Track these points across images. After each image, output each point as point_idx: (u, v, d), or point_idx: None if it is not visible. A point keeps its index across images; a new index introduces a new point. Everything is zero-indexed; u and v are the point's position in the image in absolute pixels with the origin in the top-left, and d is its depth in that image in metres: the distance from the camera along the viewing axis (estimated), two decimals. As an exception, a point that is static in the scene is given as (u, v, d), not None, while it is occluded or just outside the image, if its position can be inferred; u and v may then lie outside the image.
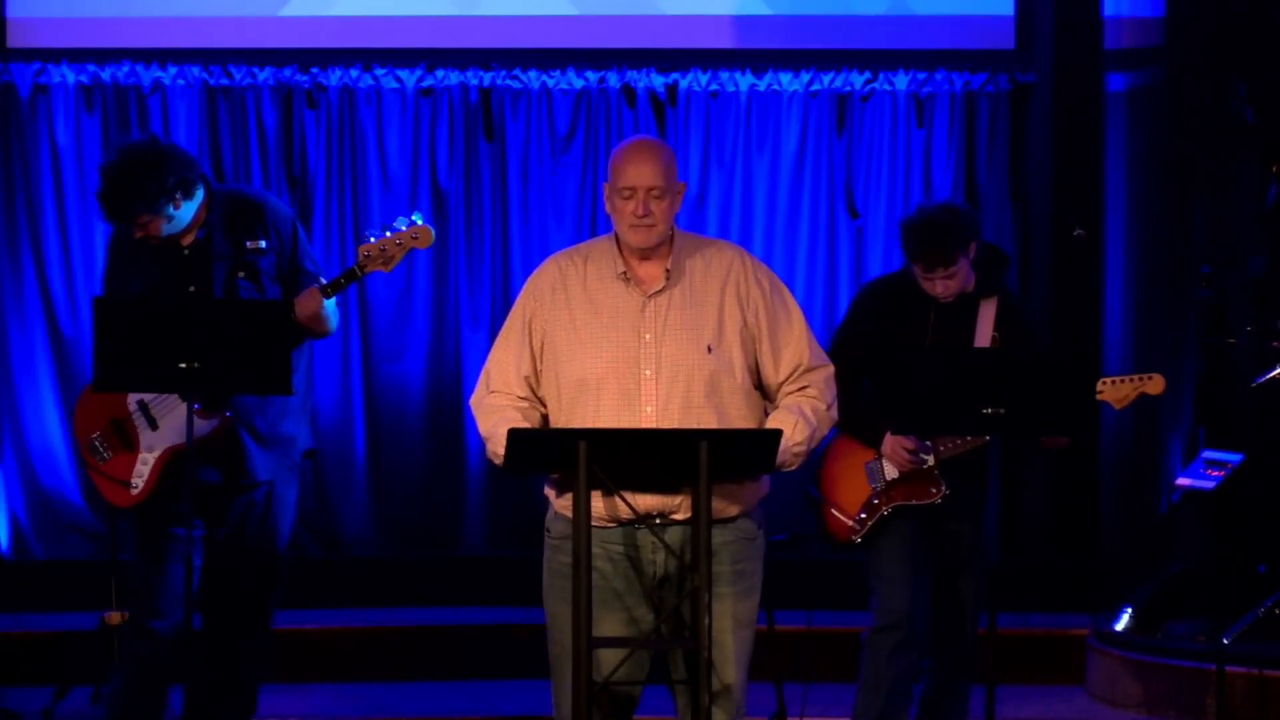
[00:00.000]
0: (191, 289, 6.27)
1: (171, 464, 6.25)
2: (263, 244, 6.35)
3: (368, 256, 6.24)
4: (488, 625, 8.24)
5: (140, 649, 6.32)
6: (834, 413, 5.22)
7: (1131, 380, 6.32)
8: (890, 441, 6.28)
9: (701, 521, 4.87)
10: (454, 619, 8.37)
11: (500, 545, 8.93)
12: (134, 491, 6.27)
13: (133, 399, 6.30)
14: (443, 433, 9.00)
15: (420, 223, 6.26)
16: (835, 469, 6.42)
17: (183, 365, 5.82)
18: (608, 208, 5.17)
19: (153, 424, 6.28)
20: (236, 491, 6.33)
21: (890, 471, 6.33)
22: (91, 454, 6.35)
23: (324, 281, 6.26)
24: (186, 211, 6.26)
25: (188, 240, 6.31)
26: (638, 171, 5.09)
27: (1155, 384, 6.30)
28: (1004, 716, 6.59)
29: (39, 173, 8.84)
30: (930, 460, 6.27)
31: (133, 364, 5.91)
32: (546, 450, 4.99)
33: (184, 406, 6.10)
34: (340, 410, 8.95)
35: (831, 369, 5.24)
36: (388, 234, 6.25)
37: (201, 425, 6.15)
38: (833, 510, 6.40)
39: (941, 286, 6.28)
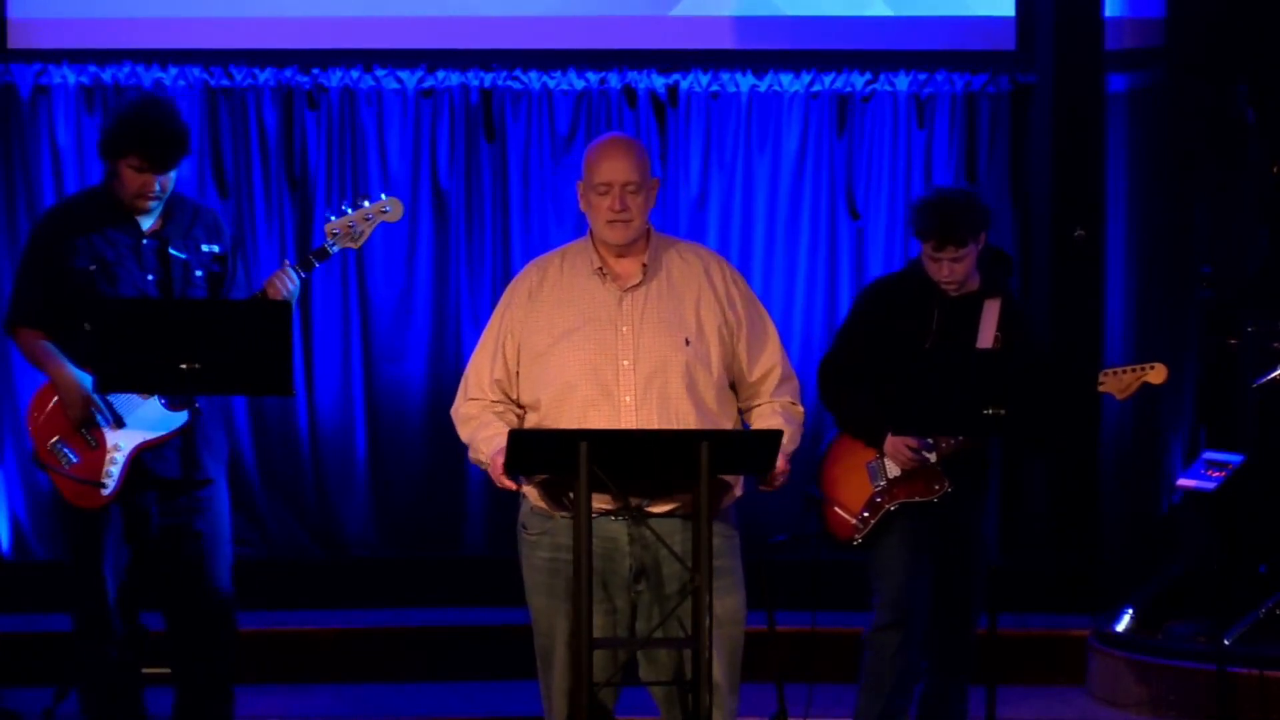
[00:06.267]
0: (150, 278, 6.25)
1: (137, 461, 6.21)
2: (215, 248, 6.37)
3: (335, 234, 6.27)
4: (488, 626, 8.23)
5: (104, 654, 6.28)
6: (800, 408, 5.29)
7: (1133, 370, 6.30)
8: (892, 440, 6.28)
9: (702, 521, 4.88)
10: (454, 619, 8.37)
11: (501, 545, 8.85)
12: (106, 492, 6.19)
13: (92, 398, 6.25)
14: (443, 433, 8.90)
15: (387, 196, 6.29)
16: (837, 470, 6.42)
17: (183, 366, 5.80)
18: (582, 205, 5.20)
19: (118, 421, 6.24)
20: (190, 486, 6.29)
21: (892, 470, 6.33)
22: (55, 458, 6.23)
23: (290, 263, 6.26)
24: None
25: (150, 229, 6.30)
26: (613, 167, 5.12)
27: (1157, 373, 6.28)
28: (1004, 717, 6.58)
29: (39, 174, 8.83)
30: (933, 457, 6.27)
31: (133, 364, 5.88)
32: (545, 451, 4.99)
33: (149, 402, 6.10)
34: (341, 411, 8.95)
35: (797, 382, 5.30)
36: (351, 211, 6.27)
37: (179, 417, 6.13)
38: (835, 509, 6.40)
39: (948, 270, 6.27)
